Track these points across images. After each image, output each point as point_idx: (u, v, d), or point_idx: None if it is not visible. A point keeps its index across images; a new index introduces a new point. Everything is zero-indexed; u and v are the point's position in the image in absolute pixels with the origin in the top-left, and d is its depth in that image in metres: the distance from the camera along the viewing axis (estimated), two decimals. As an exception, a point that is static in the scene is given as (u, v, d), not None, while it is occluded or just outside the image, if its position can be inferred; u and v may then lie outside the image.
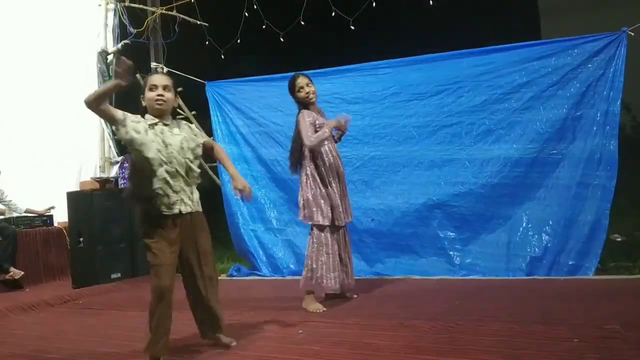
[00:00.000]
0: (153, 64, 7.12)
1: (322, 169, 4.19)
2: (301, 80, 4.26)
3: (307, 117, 4.17)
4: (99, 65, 7.01)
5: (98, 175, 6.76)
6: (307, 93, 4.24)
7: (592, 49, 5.04)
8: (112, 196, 6.15)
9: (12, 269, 5.80)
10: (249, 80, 6.53)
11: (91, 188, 6.32)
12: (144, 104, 3.03)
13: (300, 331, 3.41)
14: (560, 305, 3.65)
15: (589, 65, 5.04)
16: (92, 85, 7.05)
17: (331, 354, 2.89)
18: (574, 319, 3.24)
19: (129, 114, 2.95)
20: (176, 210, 2.94)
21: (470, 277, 5.04)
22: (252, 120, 6.33)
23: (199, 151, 3.09)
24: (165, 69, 7.11)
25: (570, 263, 4.86)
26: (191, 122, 7.13)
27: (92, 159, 7.16)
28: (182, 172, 2.98)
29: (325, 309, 4.00)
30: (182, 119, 7.76)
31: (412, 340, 3.03)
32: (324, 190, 4.17)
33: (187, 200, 3.00)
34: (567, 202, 5.01)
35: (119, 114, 2.89)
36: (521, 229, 5.17)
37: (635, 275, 4.56)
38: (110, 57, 7.09)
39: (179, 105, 7.29)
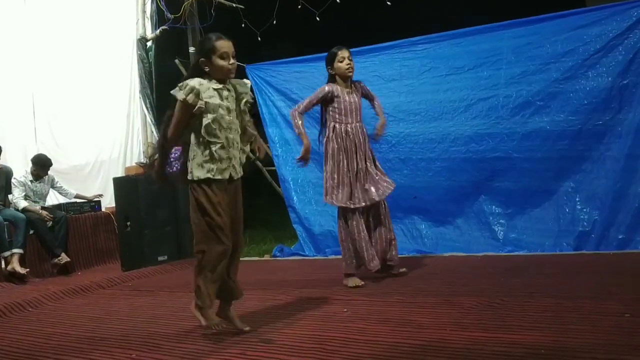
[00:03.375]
0: (191, 49, 7.18)
1: (341, 145, 4.16)
2: (345, 52, 4.22)
3: (320, 90, 4.23)
4: (138, 52, 7.11)
5: (142, 160, 6.90)
6: (349, 65, 4.21)
7: (639, 13, 4.81)
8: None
9: (62, 254, 5.99)
10: (289, 61, 6.50)
11: (136, 173, 6.46)
12: (206, 69, 2.99)
13: (345, 309, 3.43)
14: (610, 280, 3.56)
15: (636, 30, 4.80)
16: (133, 72, 7.17)
17: (376, 332, 2.90)
18: (624, 293, 3.15)
19: (195, 82, 2.92)
20: (226, 176, 3.00)
21: (516, 252, 4.95)
22: (294, 101, 6.31)
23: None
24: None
25: (620, 237, 4.72)
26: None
27: (135, 144, 7.31)
28: (238, 138, 3.06)
29: (363, 282, 4.06)
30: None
31: (457, 317, 3.01)
32: (341, 169, 4.15)
33: (237, 167, 3.06)
34: (615, 175, 4.84)
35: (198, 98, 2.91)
36: (568, 202, 5.04)
37: (688, 248, 4.41)
38: (149, 44, 7.18)
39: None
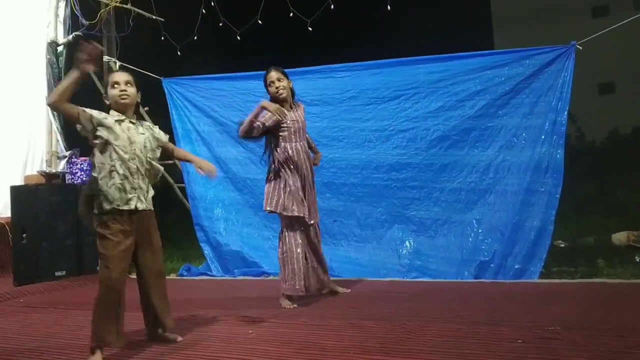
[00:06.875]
0: (105, 58, 6.94)
1: (287, 165, 4.13)
2: (272, 75, 4.19)
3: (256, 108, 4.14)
4: (48, 57, 6.78)
5: (44, 169, 6.53)
6: (277, 88, 4.18)
7: (543, 60, 5.18)
8: (59, 191, 5.97)
9: None
10: (209, 77, 6.44)
11: (37, 182, 6.11)
12: (107, 102, 3.09)
13: (251, 331, 3.38)
14: (505, 308, 3.74)
15: (540, 76, 5.19)
16: (40, 76, 6.83)
17: (280, 354, 2.87)
18: (517, 320, 3.32)
19: (93, 110, 2.98)
20: (132, 206, 3.01)
21: (421, 279, 5.10)
22: (212, 118, 6.25)
23: (158, 153, 3.22)
24: (118, 63, 6.95)
25: (516, 267, 4.98)
26: (144, 119, 6.98)
27: (38, 153, 6.92)
28: (142, 170, 3.08)
29: (295, 305, 4.04)
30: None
31: (360, 340, 3.04)
32: (288, 185, 4.11)
33: (142, 198, 3.08)
34: (515, 208, 5.13)
35: (80, 109, 2.93)
36: (472, 233, 5.28)
37: (576, 280, 4.71)
38: (60, 49, 6.87)
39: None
